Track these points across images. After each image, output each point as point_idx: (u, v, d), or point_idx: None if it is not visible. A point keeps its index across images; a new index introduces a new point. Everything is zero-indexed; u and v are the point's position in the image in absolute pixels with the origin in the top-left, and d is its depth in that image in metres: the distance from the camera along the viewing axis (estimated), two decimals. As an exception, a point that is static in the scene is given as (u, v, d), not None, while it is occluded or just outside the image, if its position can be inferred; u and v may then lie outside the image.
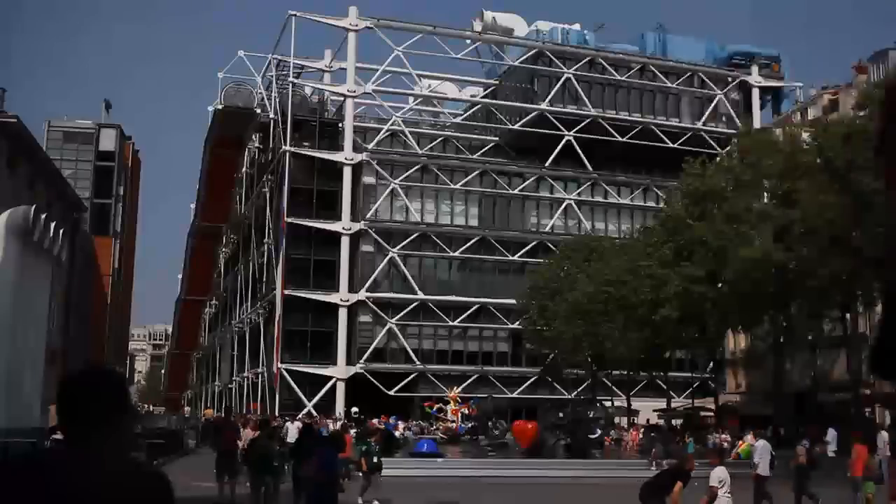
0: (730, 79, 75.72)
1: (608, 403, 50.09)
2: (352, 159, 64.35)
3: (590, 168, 69.06)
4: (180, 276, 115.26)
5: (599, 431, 37.80)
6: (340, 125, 66.96)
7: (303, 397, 59.18)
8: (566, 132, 68.44)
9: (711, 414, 51.61)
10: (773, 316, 38.89)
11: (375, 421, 44.60)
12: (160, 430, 39.52)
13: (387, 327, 62.59)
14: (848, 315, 37.42)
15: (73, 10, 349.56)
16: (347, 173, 64.04)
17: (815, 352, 42.75)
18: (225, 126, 78.48)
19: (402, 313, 62.84)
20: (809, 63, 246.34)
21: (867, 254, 31.57)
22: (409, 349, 62.71)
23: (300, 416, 46.59)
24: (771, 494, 18.99)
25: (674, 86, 73.61)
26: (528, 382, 62.37)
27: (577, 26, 76.71)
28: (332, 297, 62.01)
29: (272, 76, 70.18)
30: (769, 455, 19.33)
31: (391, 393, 59.65)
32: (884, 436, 27.82)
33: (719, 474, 11.58)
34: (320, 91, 70.55)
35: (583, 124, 68.93)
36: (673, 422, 50.75)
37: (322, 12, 69.44)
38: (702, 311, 38.23)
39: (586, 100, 70.82)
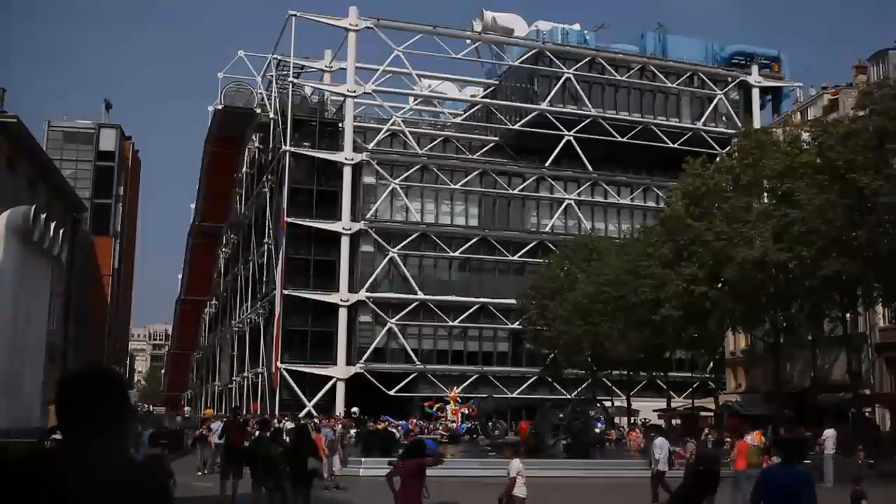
0: (730, 79, 75.71)
1: (608, 403, 50.08)
2: (352, 159, 64.34)
3: (590, 168, 69.07)
4: (180, 276, 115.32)
5: (601, 427, 37.77)
6: (340, 125, 66.95)
7: (303, 397, 59.18)
8: (566, 132, 68.43)
9: (711, 414, 51.68)
10: (773, 316, 38.87)
11: (418, 421, 44.85)
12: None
13: (387, 327, 62.59)
14: (848, 315, 37.37)
15: (73, 10, 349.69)
16: (347, 173, 64.03)
17: (815, 352, 42.68)
18: (225, 126, 78.52)
19: (402, 313, 62.83)
20: (809, 63, 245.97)
21: (867, 254, 31.59)
22: (409, 349, 62.70)
23: (300, 415, 46.60)
24: (670, 487, 19.84)
25: (674, 86, 73.61)
26: (528, 382, 62.38)
27: (577, 26, 76.77)
28: (332, 297, 61.99)
29: (272, 76, 70.19)
30: (668, 451, 21.11)
31: (391, 393, 59.65)
32: (831, 433, 27.51)
33: (517, 466, 12.74)
34: (320, 91, 70.55)
35: (583, 124, 68.93)
36: (673, 422, 50.78)
37: (322, 12, 69.50)
38: (702, 311, 38.20)
39: (586, 100, 70.82)
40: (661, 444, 21.22)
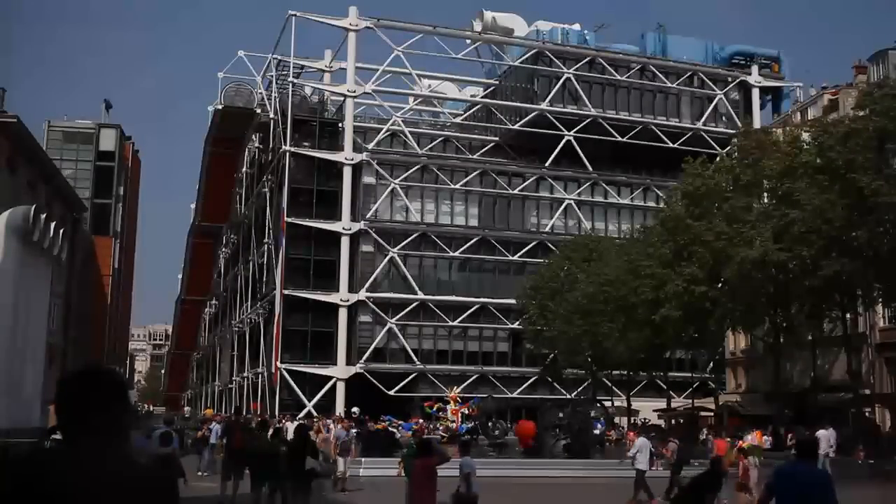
0: (730, 79, 75.68)
1: (608, 403, 50.12)
2: (352, 159, 64.33)
3: (590, 168, 69.04)
4: (180, 276, 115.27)
5: (601, 427, 37.77)
6: (340, 125, 66.94)
7: (303, 397, 59.17)
8: (566, 132, 68.39)
9: (711, 414, 51.66)
10: (772, 316, 38.88)
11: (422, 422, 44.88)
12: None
13: (387, 327, 62.57)
14: (848, 315, 37.37)
15: (74, 10, 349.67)
16: (347, 173, 64.03)
17: (815, 352, 42.69)
18: (225, 126, 78.43)
19: (402, 313, 62.81)
20: (809, 63, 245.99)
21: (867, 254, 31.60)
22: (409, 349, 62.68)
23: (299, 416, 46.57)
24: (648, 488, 20.49)
25: (674, 86, 73.57)
26: (528, 382, 62.36)
27: (577, 26, 76.75)
28: (332, 297, 61.98)
29: (272, 76, 70.13)
30: (648, 451, 21.91)
31: (391, 393, 59.63)
32: (824, 434, 27.29)
33: (470, 463, 13.23)
34: (320, 91, 70.53)
35: (583, 124, 68.88)
36: (673, 421, 50.79)
37: (322, 12, 69.42)
38: (702, 311, 38.21)
39: (586, 100, 70.78)
40: (640, 445, 22.08)
